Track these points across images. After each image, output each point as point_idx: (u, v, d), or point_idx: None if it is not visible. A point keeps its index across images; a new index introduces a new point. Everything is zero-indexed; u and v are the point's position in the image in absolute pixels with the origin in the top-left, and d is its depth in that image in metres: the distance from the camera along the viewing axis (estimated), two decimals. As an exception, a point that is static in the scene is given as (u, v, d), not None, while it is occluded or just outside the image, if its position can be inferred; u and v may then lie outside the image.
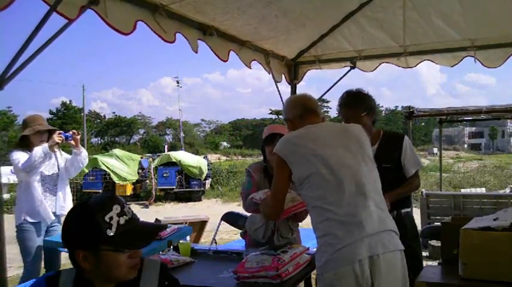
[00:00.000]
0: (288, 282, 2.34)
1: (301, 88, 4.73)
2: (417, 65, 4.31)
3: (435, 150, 35.04)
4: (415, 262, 2.68)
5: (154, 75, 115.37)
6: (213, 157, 34.93)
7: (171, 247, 2.97)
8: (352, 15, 4.06)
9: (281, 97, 4.23)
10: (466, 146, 58.00)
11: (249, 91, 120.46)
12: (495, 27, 3.80)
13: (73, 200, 4.08)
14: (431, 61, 4.24)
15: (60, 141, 3.70)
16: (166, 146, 32.03)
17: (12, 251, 3.37)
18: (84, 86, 44.18)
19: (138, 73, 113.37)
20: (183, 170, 17.65)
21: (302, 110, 2.23)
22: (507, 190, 12.89)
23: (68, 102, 50.33)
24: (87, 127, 44.37)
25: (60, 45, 70.83)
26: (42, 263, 3.77)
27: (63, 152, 3.99)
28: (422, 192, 7.34)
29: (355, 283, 1.90)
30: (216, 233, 4.58)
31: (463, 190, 12.94)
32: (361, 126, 2.26)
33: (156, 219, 6.40)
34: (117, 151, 19.96)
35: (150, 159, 20.51)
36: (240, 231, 3.42)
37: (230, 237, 7.98)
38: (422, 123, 58.58)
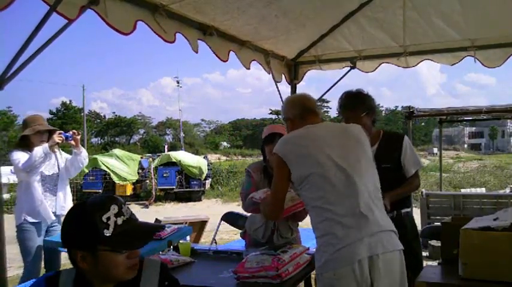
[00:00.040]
0: (288, 282, 2.34)
1: (301, 88, 4.73)
2: (417, 64, 4.31)
3: (435, 150, 35.05)
4: (415, 262, 2.68)
5: (154, 75, 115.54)
6: (213, 157, 34.93)
7: (171, 247, 2.97)
8: (352, 15, 4.06)
9: (281, 97, 4.23)
10: (466, 146, 58.00)
11: (249, 91, 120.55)
12: (495, 27, 3.80)
13: (73, 200, 4.08)
14: (431, 60, 4.24)
15: (60, 142, 3.71)
16: (166, 146, 32.03)
17: (12, 251, 3.37)
18: (84, 86, 44.30)
19: (138, 73, 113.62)
20: (183, 170, 17.65)
21: (302, 110, 2.23)
22: (507, 190, 12.89)
23: (68, 102, 50.39)
24: (87, 127, 44.36)
25: (60, 45, 70.92)
26: (42, 263, 3.77)
27: (63, 152, 3.99)
28: (422, 192, 7.34)
29: (354, 283, 1.90)
30: (216, 233, 4.58)
31: (463, 190, 12.94)
32: (361, 127, 2.26)
33: (156, 219, 6.40)
34: (117, 151, 19.96)
35: (150, 159, 20.51)
36: (240, 231, 3.42)
37: (230, 237, 7.98)
38: (422, 123, 58.60)
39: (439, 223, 3.85)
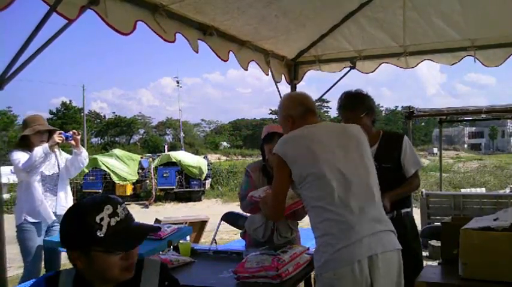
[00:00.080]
0: (288, 282, 2.34)
1: (301, 88, 4.74)
2: (417, 65, 4.31)
3: (435, 150, 35.05)
4: (415, 262, 2.68)
5: (154, 75, 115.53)
6: (213, 157, 34.95)
7: (171, 247, 2.97)
8: (352, 15, 4.06)
9: (281, 97, 4.23)
10: (466, 146, 58.01)
11: (249, 91, 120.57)
12: (495, 27, 3.80)
13: (73, 200, 4.08)
14: (431, 60, 4.24)
15: (60, 142, 3.71)
16: (166, 146, 32.04)
17: (12, 251, 3.37)
18: (84, 86, 44.24)
19: (138, 73, 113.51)
20: (183, 170, 17.66)
21: (303, 109, 2.22)
22: (507, 190, 12.89)
23: (68, 102, 50.39)
24: (87, 127, 44.37)
25: (60, 45, 70.98)
26: (43, 263, 3.77)
27: (63, 152, 3.99)
28: (422, 192, 7.34)
29: (354, 283, 1.90)
30: (216, 233, 4.58)
31: (463, 190, 12.95)
32: (360, 127, 2.26)
33: (156, 219, 6.40)
34: (117, 151, 19.97)
35: (150, 159, 20.51)
36: (240, 231, 3.42)
37: (230, 237, 7.98)
38: (422, 123, 58.63)
39: (439, 223, 3.85)
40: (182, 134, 41.69)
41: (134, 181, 18.10)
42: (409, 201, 2.97)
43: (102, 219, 1.31)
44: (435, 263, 3.96)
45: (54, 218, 3.76)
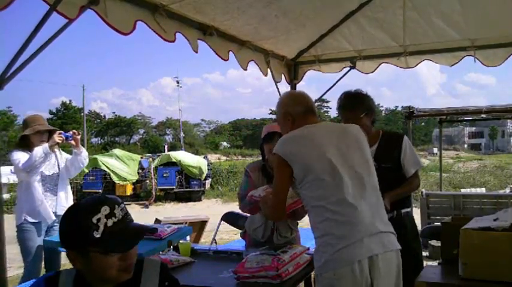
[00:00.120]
0: (288, 282, 2.34)
1: (301, 88, 4.73)
2: (417, 65, 4.31)
3: (435, 150, 35.06)
4: (415, 262, 2.68)
5: (154, 75, 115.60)
6: (213, 157, 34.95)
7: (171, 247, 2.97)
8: (352, 15, 4.06)
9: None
10: (466, 146, 58.02)
11: (249, 91, 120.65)
12: (495, 27, 3.80)
13: (74, 200, 4.08)
14: (431, 60, 4.24)
15: (60, 141, 3.71)
16: (166, 146, 32.06)
17: (12, 251, 3.37)
18: (84, 86, 44.33)
19: (138, 73, 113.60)
20: (183, 170, 17.66)
21: (305, 108, 2.21)
22: (507, 190, 12.89)
23: (68, 102, 50.41)
24: (87, 127, 44.37)
25: (60, 45, 70.97)
26: (43, 263, 3.77)
27: (63, 152, 4.00)
28: (422, 192, 7.34)
29: (354, 283, 1.91)
30: (216, 233, 4.58)
31: (463, 190, 12.95)
32: (359, 127, 2.26)
33: (156, 219, 6.40)
34: (117, 151, 19.98)
35: (150, 159, 20.51)
36: (240, 231, 3.42)
37: (230, 237, 7.98)
38: (422, 123, 58.63)
39: (439, 223, 3.85)
40: (182, 134, 41.69)
41: (134, 181, 18.11)
42: (409, 201, 2.97)
43: (99, 220, 1.30)
44: (435, 263, 3.96)
45: (54, 218, 3.76)
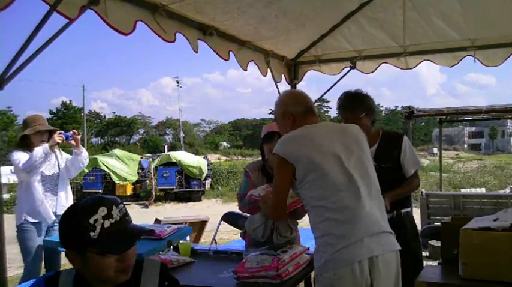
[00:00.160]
0: (288, 282, 2.34)
1: (301, 88, 4.73)
2: (417, 65, 4.31)
3: (435, 150, 35.05)
4: (415, 262, 2.68)
5: (154, 75, 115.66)
6: (213, 157, 34.95)
7: (171, 247, 2.97)
8: (352, 15, 4.06)
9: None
10: (466, 146, 58.02)
11: (249, 91, 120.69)
12: (495, 27, 3.80)
13: (74, 200, 4.09)
14: (431, 61, 4.24)
15: (60, 142, 3.71)
16: (166, 146, 32.06)
17: (12, 251, 3.37)
18: (84, 86, 44.19)
19: (138, 73, 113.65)
20: (183, 170, 17.66)
21: (305, 108, 2.20)
22: (507, 190, 12.90)
23: (68, 102, 50.41)
24: (87, 127, 44.38)
25: (60, 45, 71.01)
26: (43, 263, 3.77)
27: (63, 152, 4.00)
28: (422, 192, 7.34)
29: (354, 283, 1.91)
30: (216, 233, 4.58)
31: (463, 190, 12.95)
32: (359, 127, 2.26)
33: (156, 219, 6.40)
34: (117, 151, 19.98)
35: (150, 159, 20.51)
36: (240, 231, 3.42)
37: (230, 237, 7.98)
38: (422, 123, 58.63)
39: (439, 223, 3.85)
40: (182, 134, 41.70)
41: (134, 181, 18.10)
42: (409, 201, 2.96)
43: (95, 221, 1.30)
44: (435, 263, 3.96)
45: (54, 218, 3.76)
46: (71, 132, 3.79)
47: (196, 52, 3.09)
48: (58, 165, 3.85)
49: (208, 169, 18.32)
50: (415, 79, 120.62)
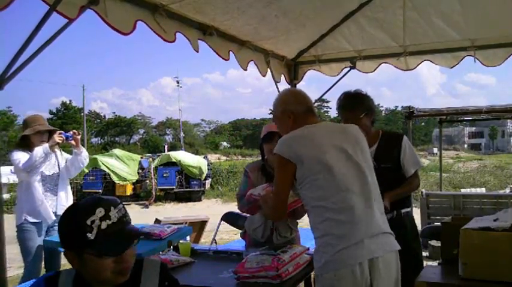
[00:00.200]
0: (288, 282, 2.34)
1: (301, 88, 4.72)
2: (417, 66, 4.30)
3: (435, 150, 35.05)
4: (415, 262, 2.68)
5: (154, 75, 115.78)
6: (213, 157, 34.95)
7: (171, 247, 2.97)
8: (352, 15, 4.06)
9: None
10: (466, 146, 58.02)
11: (249, 91, 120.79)
12: (495, 27, 3.80)
13: (73, 200, 4.08)
14: (431, 61, 4.24)
15: (60, 142, 3.71)
16: (166, 146, 32.06)
17: (12, 251, 3.37)
18: (84, 86, 44.25)
19: (138, 73, 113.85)
20: (183, 170, 17.66)
21: (305, 108, 2.20)
22: (507, 190, 12.89)
23: (68, 102, 50.43)
24: (87, 127, 44.38)
25: (60, 45, 71.14)
26: (43, 263, 3.77)
27: (63, 152, 4.00)
28: (422, 192, 7.34)
29: (354, 284, 1.91)
30: (216, 233, 4.58)
31: (463, 190, 12.95)
32: (358, 127, 2.26)
33: (156, 219, 6.40)
34: (117, 151, 19.97)
35: (150, 159, 20.52)
36: (240, 231, 3.42)
37: (230, 237, 7.98)
38: (422, 123, 58.63)
39: (439, 223, 3.85)
40: (182, 134, 41.69)
41: (134, 181, 18.10)
42: (409, 201, 2.96)
43: (93, 222, 1.30)
44: (435, 263, 3.96)
45: (54, 218, 3.76)
46: (71, 132, 3.79)
47: (197, 51, 3.10)
48: (58, 165, 3.85)
49: (208, 169, 18.32)
50: (415, 79, 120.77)
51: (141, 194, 18.46)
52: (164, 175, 17.69)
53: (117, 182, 17.36)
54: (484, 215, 2.54)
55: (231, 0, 3.07)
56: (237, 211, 3.67)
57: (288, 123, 2.18)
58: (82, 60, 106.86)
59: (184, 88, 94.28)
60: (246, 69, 3.77)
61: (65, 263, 3.86)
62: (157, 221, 6.12)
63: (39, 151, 3.58)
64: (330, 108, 54.25)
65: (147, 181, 18.74)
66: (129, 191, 17.59)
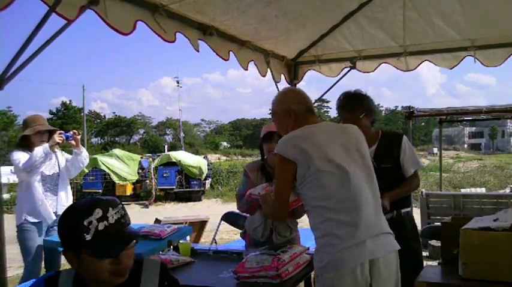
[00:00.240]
0: (288, 282, 2.34)
1: (301, 88, 4.73)
2: (417, 67, 4.30)
3: (435, 150, 35.04)
4: (415, 262, 2.68)
5: (154, 75, 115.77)
6: (213, 157, 34.94)
7: (171, 247, 2.97)
8: (352, 15, 4.06)
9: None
10: (466, 146, 58.01)
11: (249, 91, 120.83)
12: (495, 27, 3.80)
13: (73, 200, 4.08)
14: (431, 62, 4.23)
15: (60, 142, 3.71)
16: (166, 146, 32.06)
17: (12, 251, 3.37)
18: (84, 86, 44.23)
19: (138, 73, 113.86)
20: (183, 170, 17.67)
21: (306, 108, 2.20)
22: (507, 190, 12.89)
23: (68, 102, 50.42)
24: (87, 127, 44.37)
25: (60, 45, 71.14)
26: (43, 263, 3.77)
27: (63, 152, 4.00)
28: (422, 192, 7.34)
29: (355, 284, 1.91)
30: (216, 233, 4.58)
31: (463, 190, 12.95)
32: (358, 127, 2.26)
33: (156, 219, 6.40)
34: (117, 151, 19.98)
35: (150, 159, 20.51)
36: (240, 231, 3.42)
37: (230, 237, 7.98)
38: (422, 123, 58.62)
39: (439, 223, 3.85)
40: (182, 134, 41.69)
41: (134, 181, 18.11)
42: (409, 201, 2.96)
43: (90, 223, 1.30)
44: (435, 263, 3.96)
45: (54, 218, 3.76)
46: (71, 132, 3.79)
47: (198, 51, 3.10)
48: (58, 165, 3.86)
49: (208, 169, 18.33)
50: (415, 79, 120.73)
51: (141, 194, 18.46)
52: (164, 175, 17.70)
53: (117, 182, 17.37)
54: (484, 215, 2.54)
55: (231, 0, 3.07)
56: (237, 211, 3.68)
57: (289, 122, 2.18)
58: (82, 60, 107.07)
59: (184, 88, 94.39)
60: (246, 69, 3.78)
61: (65, 263, 3.86)
62: (157, 221, 6.13)
63: (39, 151, 3.58)
64: (330, 108, 54.30)
65: (147, 181, 18.75)
66: (129, 191, 17.59)
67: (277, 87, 4.30)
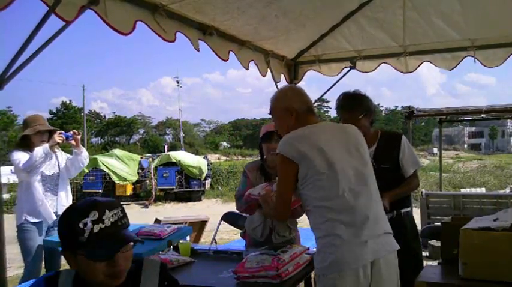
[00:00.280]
0: (288, 282, 2.34)
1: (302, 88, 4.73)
2: (417, 68, 4.30)
3: (435, 150, 35.04)
4: (415, 262, 2.68)
5: (154, 75, 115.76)
6: (213, 157, 34.93)
7: (171, 247, 2.97)
8: (352, 15, 4.06)
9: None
10: (466, 146, 58.02)
11: (249, 91, 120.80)
12: (495, 27, 3.80)
13: (73, 200, 4.08)
14: (431, 62, 4.23)
15: (61, 141, 3.71)
16: (166, 146, 32.06)
17: (12, 251, 3.37)
18: (84, 86, 44.25)
19: (138, 73, 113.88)
20: (183, 170, 17.67)
21: (307, 107, 2.19)
22: (507, 190, 12.89)
23: (68, 102, 50.42)
24: (87, 127, 44.37)
25: (60, 45, 71.22)
26: (43, 263, 3.77)
27: (63, 152, 4.00)
28: (422, 192, 7.34)
29: (357, 284, 1.92)
30: (216, 233, 4.58)
31: (463, 190, 12.95)
32: (357, 128, 2.26)
33: (156, 219, 6.40)
34: (117, 151, 19.98)
35: (150, 159, 20.51)
36: (240, 231, 3.42)
37: (230, 237, 7.98)
38: (422, 123, 58.62)
39: (439, 223, 3.85)
40: (182, 134, 41.69)
41: (134, 181, 18.11)
42: (408, 201, 2.96)
43: (85, 224, 1.29)
44: (435, 263, 3.96)
45: (54, 218, 3.76)
46: (71, 132, 3.79)
47: (198, 51, 3.10)
48: (58, 165, 3.86)
49: (208, 169, 18.33)
50: (415, 79, 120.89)
51: (141, 194, 18.46)
52: (164, 175, 17.70)
53: (117, 182, 17.37)
54: (484, 215, 2.54)
55: (231, 0, 3.07)
56: (237, 211, 3.68)
57: (290, 121, 2.16)
58: (82, 60, 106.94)
59: (184, 88, 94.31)
60: (247, 69, 3.78)
61: (65, 263, 3.85)
62: (157, 221, 6.13)
63: (39, 151, 3.58)
64: (330, 108, 54.19)
65: (147, 181, 18.75)
66: (129, 191, 17.59)
67: (277, 87, 4.30)
